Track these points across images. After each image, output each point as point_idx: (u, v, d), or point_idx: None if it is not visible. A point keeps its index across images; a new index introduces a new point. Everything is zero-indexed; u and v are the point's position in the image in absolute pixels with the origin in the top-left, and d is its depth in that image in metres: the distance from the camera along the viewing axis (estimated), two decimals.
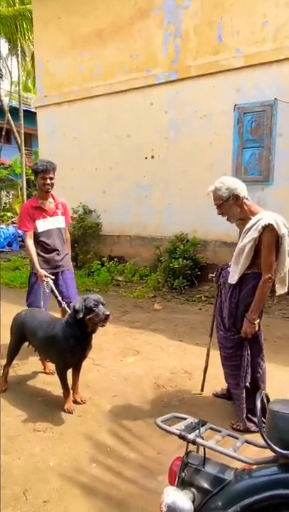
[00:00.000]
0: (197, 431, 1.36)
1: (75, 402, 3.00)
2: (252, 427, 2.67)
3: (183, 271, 6.41)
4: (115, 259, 7.63)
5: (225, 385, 3.18)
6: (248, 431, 2.65)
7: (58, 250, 3.71)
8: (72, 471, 2.31)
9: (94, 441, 2.59)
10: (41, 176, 3.48)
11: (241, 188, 2.59)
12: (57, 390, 3.23)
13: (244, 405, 2.65)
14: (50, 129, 8.49)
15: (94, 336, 2.92)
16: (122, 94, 7.36)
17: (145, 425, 2.77)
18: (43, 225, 3.62)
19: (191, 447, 1.41)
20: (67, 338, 2.77)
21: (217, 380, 3.31)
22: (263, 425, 1.23)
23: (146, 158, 7.26)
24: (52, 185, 3.56)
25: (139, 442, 2.59)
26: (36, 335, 2.99)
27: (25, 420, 2.84)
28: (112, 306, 5.40)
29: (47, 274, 3.51)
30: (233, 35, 6.11)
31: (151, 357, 3.94)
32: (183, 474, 1.30)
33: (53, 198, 3.70)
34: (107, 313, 2.70)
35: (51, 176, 3.51)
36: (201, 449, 1.40)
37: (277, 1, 5.67)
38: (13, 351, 3.23)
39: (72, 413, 2.87)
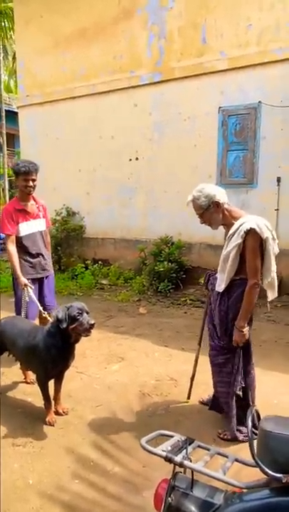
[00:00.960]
0: (184, 451, 1.27)
1: (57, 413, 2.88)
2: (240, 436, 2.61)
3: (168, 274, 6.34)
4: (99, 262, 7.51)
5: (212, 392, 3.12)
6: (235, 440, 2.60)
7: (42, 254, 3.58)
8: (53, 488, 2.20)
9: (76, 455, 2.48)
10: (23, 178, 3.33)
11: (220, 195, 2.54)
12: (38, 401, 3.10)
13: (234, 414, 2.59)
14: (32, 130, 8.32)
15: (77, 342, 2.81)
16: (105, 95, 7.26)
17: (130, 437, 2.68)
18: (26, 228, 3.47)
19: (179, 468, 1.33)
20: (48, 349, 2.65)
21: (204, 387, 3.24)
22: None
23: (130, 160, 7.17)
24: (34, 187, 3.42)
25: (123, 455, 2.49)
26: (16, 344, 2.86)
27: (3, 434, 2.70)
28: (96, 310, 5.29)
29: (27, 283, 3.34)
30: (217, 38, 6.09)
31: (136, 363, 3.85)
32: (170, 499, 1.22)
33: (34, 200, 3.57)
34: (92, 322, 2.59)
35: (33, 177, 3.37)
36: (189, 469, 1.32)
37: (261, 5, 5.69)
38: None
39: (53, 425, 2.75)
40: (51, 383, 2.89)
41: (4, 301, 5.98)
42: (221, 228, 2.70)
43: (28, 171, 3.29)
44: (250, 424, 1.16)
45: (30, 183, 3.36)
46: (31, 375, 3.42)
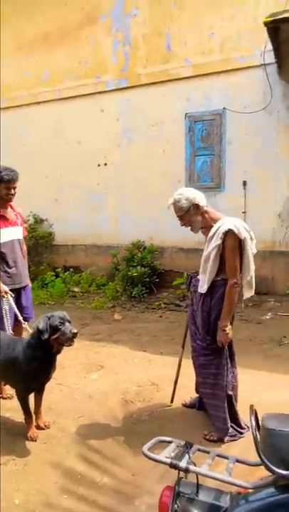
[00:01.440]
0: (186, 456, 1.26)
1: (39, 427, 2.79)
2: (225, 437, 2.63)
3: (141, 279, 6.34)
4: (70, 269, 7.37)
5: (194, 395, 3.14)
6: (221, 441, 2.62)
7: (20, 263, 3.45)
8: (41, 506, 2.11)
9: (62, 470, 2.40)
10: (5, 186, 3.24)
11: (200, 198, 2.62)
12: (18, 417, 2.98)
13: (225, 415, 2.61)
14: None
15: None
16: (71, 101, 7.19)
17: (116, 445, 2.64)
18: (5, 235, 3.33)
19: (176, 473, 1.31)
20: (29, 361, 2.56)
21: (186, 390, 3.25)
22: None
23: (98, 165, 7.13)
24: (15, 194, 3.34)
25: (111, 465, 2.45)
26: None
27: None
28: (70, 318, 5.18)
29: (7, 290, 3.21)
30: (181, 45, 6.22)
31: (115, 371, 3.80)
32: (176, 506, 1.20)
33: (11, 207, 3.47)
34: (75, 331, 2.53)
35: (15, 185, 3.29)
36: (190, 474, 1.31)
37: (223, 15, 5.88)
38: None
39: (35, 441, 2.65)
40: (31, 397, 2.79)
41: None
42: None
43: (11, 179, 3.22)
44: (253, 423, 1.17)
45: (12, 191, 3.29)
46: (7, 390, 3.29)
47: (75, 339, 2.52)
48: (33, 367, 2.56)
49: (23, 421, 2.75)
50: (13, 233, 3.41)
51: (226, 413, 2.63)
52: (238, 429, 2.72)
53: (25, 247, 3.62)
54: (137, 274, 6.30)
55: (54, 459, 2.50)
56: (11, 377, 2.78)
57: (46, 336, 2.46)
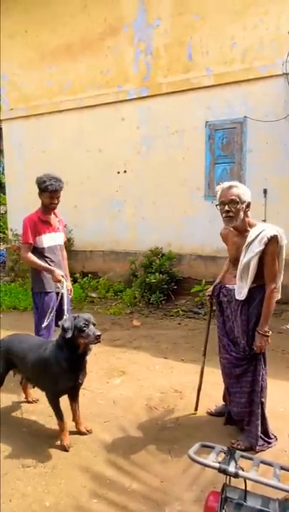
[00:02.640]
0: (232, 461, 1.26)
1: (80, 433, 2.79)
2: (254, 444, 2.60)
3: (159, 285, 6.35)
4: (89, 275, 7.43)
5: (218, 403, 3.11)
6: (250, 450, 2.59)
7: (61, 267, 3.54)
8: (72, 509, 2.12)
9: (91, 474, 2.41)
10: (49, 195, 3.34)
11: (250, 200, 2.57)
12: (42, 419, 3.02)
13: (258, 421, 2.57)
14: (17, 143, 8.24)
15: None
16: (92, 109, 7.31)
17: (143, 451, 2.63)
18: (49, 240, 3.45)
19: (218, 478, 1.31)
20: (57, 362, 2.59)
21: (210, 398, 3.24)
22: None
23: (118, 172, 7.21)
24: (58, 203, 3.44)
25: (139, 471, 2.44)
26: (26, 359, 2.76)
27: (11, 455, 2.59)
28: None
29: (63, 274, 3.34)
30: (202, 55, 6.28)
31: (138, 377, 3.80)
32: (223, 511, 1.19)
33: (54, 213, 3.57)
34: (98, 333, 2.54)
35: (59, 195, 3.39)
36: (233, 480, 1.30)
37: (245, 24, 5.93)
38: None
39: (68, 451, 2.60)
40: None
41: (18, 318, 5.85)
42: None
43: (55, 189, 3.31)
44: None
45: (56, 200, 3.39)
46: (33, 394, 3.32)
47: (98, 341, 2.52)
48: (60, 368, 2.58)
49: (48, 425, 2.77)
50: (56, 238, 3.52)
51: (258, 420, 2.60)
52: (266, 439, 2.69)
53: (65, 252, 3.71)
54: (155, 280, 6.31)
55: (82, 463, 2.50)
56: (40, 380, 2.79)
57: (70, 335, 2.49)
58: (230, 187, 2.51)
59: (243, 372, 2.61)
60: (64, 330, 2.55)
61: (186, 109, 6.49)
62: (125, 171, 7.15)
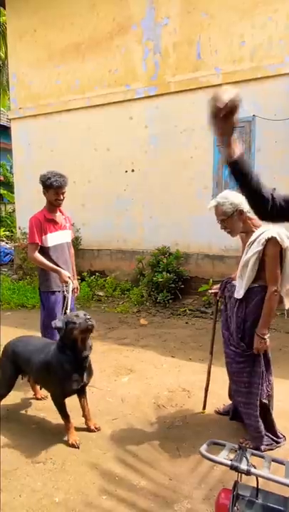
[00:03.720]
0: (244, 459, 1.26)
1: (90, 430, 2.82)
2: (259, 445, 2.60)
3: (167, 284, 6.35)
4: (96, 273, 7.45)
5: (226, 402, 3.12)
6: (257, 450, 2.58)
7: (68, 265, 3.55)
8: (81, 505, 2.13)
9: (100, 471, 2.42)
10: (54, 192, 3.35)
11: (244, 203, 2.55)
12: (51, 416, 3.04)
13: (257, 424, 2.58)
14: (25, 142, 8.29)
15: None
16: (100, 108, 7.33)
17: (152, 449, 2.64)
18: (55, 238, 3.45)
19: (227, 476, 1.31)
20: (59, 363, 2.61)
21: (218, 397, 3.24)
22: None
23: (126, 171, 7.22)
24: (63, 199, 3.44)
25: (148, 468, 2.45)
26: (31, 362, 2.78)
27: (21, 452, 2.62)
28: (96, 322, 5.20)
29: (70, 276, 3.36)
30: (211, 54, 6.27)
31: (145, 375, 3.81)
32: (235, 508, 1.20)
33: (60, 211, 3.58)
34: (88, 317, 2.57)
35: (64, 191, 3.40)
36: (244, 477, 1.31)
37: (253, 23, 5.90)
38: (6, 387, 2.93)
39: (78, 447, 2.62)
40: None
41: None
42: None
43: (60, 185, 3.31)
44: None
45: (61, 197, 3.40)
46: (41, 391, 3.34)
47: (91, 328, 2.55)
48: (63, 370, 2.60)
49: (56, 421, 2.79)
50: (63, 236, 3.53)
51: (258, 422, 2.59)
52: (274, 438, 2.69)
53: (72, 250, 3.71)
54: (162, 279, 6.31)
55: (91, 459, 2.52)
56: (45, 382, 2.81)
57: (62, 332, 2.54)
58: (215, 207, 2.58)
59: (240, 371, 2.61)
60: (58, 329, 2.59)
61: (194, 108, 6.47)
62: (133, 170, 7.16)
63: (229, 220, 2.55)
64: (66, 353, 2.62)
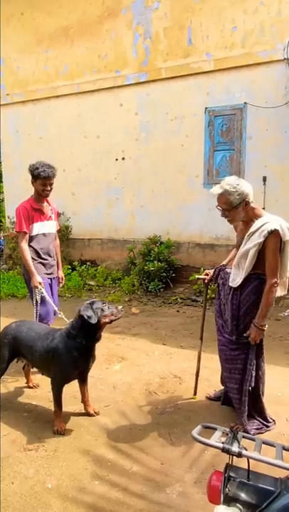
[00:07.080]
0: (236, 442, 1.27)
1: (89, 414, 2.86)
2: (251, 430, 2.64)
3: (158, 273, 6.36)
4: (87, 263, 7.42)
5: (217, 388, 3.15)
6: (247, 433, 2.62)
7: (51, 255, 3.56)
8: (74, 491, 2.15)
9: (92, 457, 2.44)
10: (42, 182, 3.32)
11: (251, 193, 2.49)
12: (43, 404, 3.05)
13: (246, 409, 2.61)
14: (13, 129, 8.13)
15: None
16: (90, 95, 7.20)
17: (143, 435, 2.66)
18: (40, 228, 3.44)
19: (218, 460, 1.32)
20: (69, 351, 2.59)
21: (209, 383, 3.28)
22: None
23: (116, 159, 7.14)
24: (51, 190, 3.42)
25: (140, 453, 2.47)
26: (34, 348, 2.75)
27: (13, 440, 2.62)
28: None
29: (41, 281, 3.32)
30: (202, 39, 6.18)
31: (137, 363, 3.83)
32: (226, 490, 1.21)
33: (47, 202, 3.54)
34: (120, 307, 2.69)
35: (52, 181, 3.36)
36: (236, 460, 1.32)
37: (245, 8, 5.81)
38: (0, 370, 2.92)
39: (63, 434, 2.64)
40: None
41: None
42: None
43: (47, 176, 3.28)
44: None
45: (49, 188, 3.37)
46: (34, 380, 3.34)
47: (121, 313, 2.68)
48: (72, 357, 2.59)
49: (50, 409, 2.79)
50: (48, 227, 3.51)
51: (245, 407, 2.63)
52: (264, 422, 2.73)
53: (58, 241, 3.70)
54: (154, 268, 6.31)
55: (83, 446, 2.54)
56: (48, 368, 2.79)
57: (95, 320, 2.52)
58: (220, 194, 2.45)
59: (234, 358, 2.63)
60: (88, 317, 2.53)
61: (185, 94, 6.41)
62: (123, 158, 7.08)
63: (234, 210, 2.46)
64: (76, 340, 2.60)
